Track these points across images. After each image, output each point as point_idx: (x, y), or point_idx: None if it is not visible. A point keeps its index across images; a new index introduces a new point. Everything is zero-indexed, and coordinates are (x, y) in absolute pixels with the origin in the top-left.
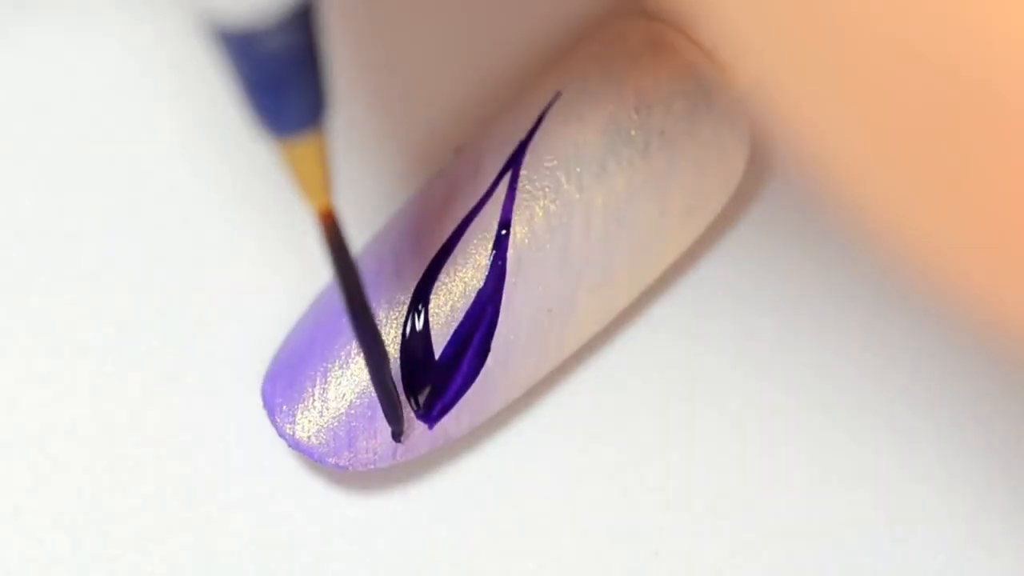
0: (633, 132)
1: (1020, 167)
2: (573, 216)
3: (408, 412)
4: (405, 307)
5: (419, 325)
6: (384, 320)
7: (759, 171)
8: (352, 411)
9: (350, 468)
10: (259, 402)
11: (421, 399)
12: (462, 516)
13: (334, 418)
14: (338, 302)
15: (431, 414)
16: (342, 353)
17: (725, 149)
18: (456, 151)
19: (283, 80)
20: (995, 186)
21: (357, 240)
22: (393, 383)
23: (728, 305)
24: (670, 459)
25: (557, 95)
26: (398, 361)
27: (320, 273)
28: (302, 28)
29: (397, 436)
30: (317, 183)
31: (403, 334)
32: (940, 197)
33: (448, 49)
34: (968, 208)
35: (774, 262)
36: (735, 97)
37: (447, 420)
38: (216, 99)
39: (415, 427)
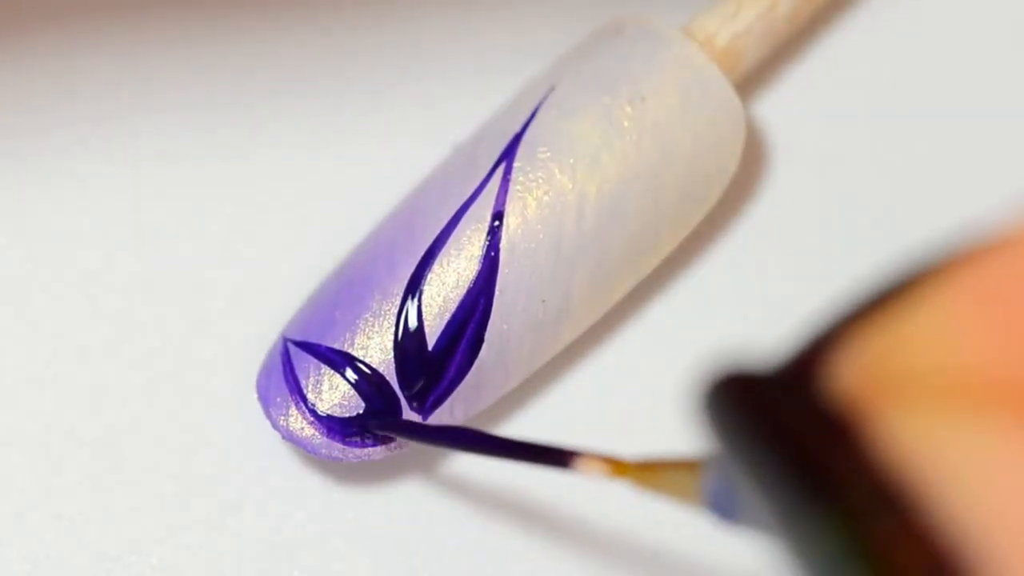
0: (627, 124)
1: None
2: (566, 207)
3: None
4: (399, 298)
5: (412, 316)
6: (377, 311)
7: (756, 164)
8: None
9: (344, 459)
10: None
11: (415, 390)
12: (462, 516)
13: (328, 410)
14: (331, 297)
15: (425, 405)
16: (336, 346)
17: (720, 141)
18: (454, 148)
19: None
20: None
21: (354, 236)
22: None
23: (728, 304)
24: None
25: (551, 88)
26: (391, 353)
27: (318, 271)
28: None
29: None
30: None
31: (396, 324)
32: None
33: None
34: None
35: (773, 257)
36: (730, 88)
37: (441, 411)
38: (217, 102)
39: (408, 417)
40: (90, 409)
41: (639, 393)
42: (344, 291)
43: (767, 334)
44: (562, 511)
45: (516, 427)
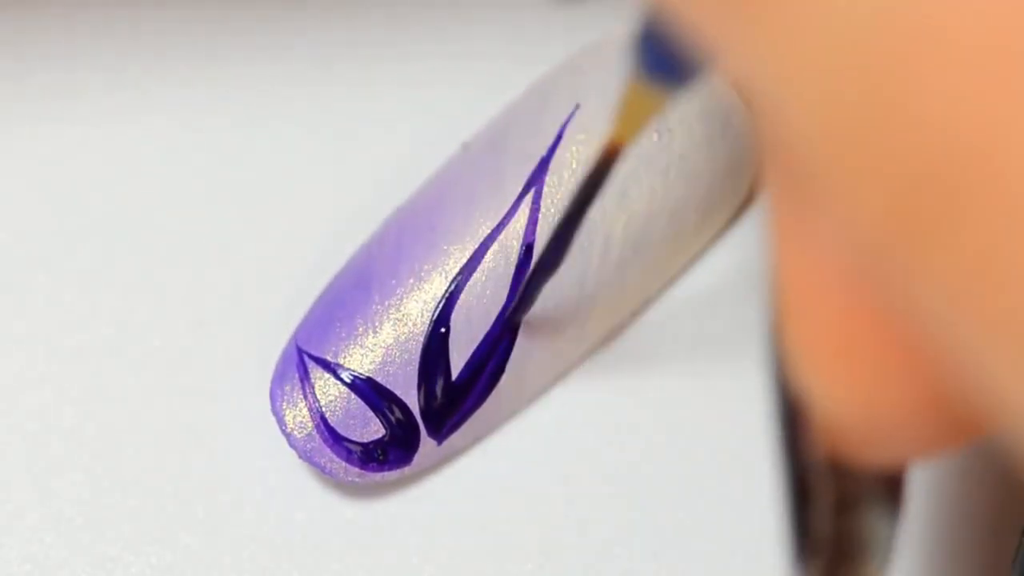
0: (654, 154)
1: None
2: (594, 241)
3: (423, 433)
4: (426, 326)
5: (439, 345)
6: (404, 338)
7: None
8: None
9: (359, 482)
10: (258, 402)
11: (435, 418)
12: (462, 516)
13: (348, 434)
14: (354, 319)
15: (441, 431)
16: (361, 372)
17: (737, 171)
18: (464, 147)
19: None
20: None
21: (358, 234)
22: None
23: (728, 304)
24: (671, 460)
25: (576, 107)
26: (415, 381)
27: (323, 272)
28: None
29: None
30: (636, 124)
31: (423, 354)
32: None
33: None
34: None
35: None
36: (750, 119)
37: (456, 435)
38: (217, 99)
39: (424, 443)
40: (90, 409)
41: (639, 393)
42: (368, 315)
43: (766, 334)
44: (561, 512)
45: (516, 427)
